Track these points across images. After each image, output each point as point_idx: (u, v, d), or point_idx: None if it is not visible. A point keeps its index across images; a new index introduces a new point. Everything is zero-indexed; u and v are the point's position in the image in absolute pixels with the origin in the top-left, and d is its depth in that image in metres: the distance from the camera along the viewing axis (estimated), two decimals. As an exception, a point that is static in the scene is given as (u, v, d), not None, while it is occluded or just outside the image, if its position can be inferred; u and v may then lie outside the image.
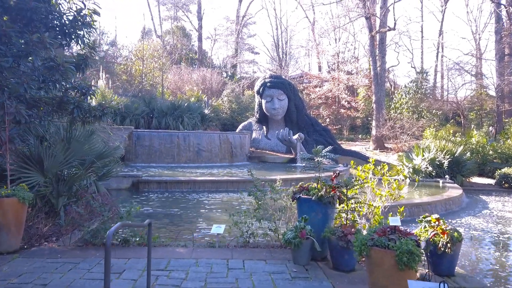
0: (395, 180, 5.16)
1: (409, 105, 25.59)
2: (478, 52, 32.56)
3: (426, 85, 29.73)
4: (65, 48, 7.23)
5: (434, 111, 25.93)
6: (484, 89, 29.47)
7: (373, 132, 23.90)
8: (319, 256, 4.58)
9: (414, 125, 22.77)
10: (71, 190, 6.45)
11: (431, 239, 4.09)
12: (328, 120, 30.60)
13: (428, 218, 4.38)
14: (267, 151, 20.04)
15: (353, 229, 4.25)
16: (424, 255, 3.71)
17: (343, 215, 4.77)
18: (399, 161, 16.87)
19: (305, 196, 4.67)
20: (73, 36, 6.83)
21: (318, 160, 5.08)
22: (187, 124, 19.24)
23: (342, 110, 30.90)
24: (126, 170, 12.14)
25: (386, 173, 5.30)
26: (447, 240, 4.04)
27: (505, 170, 14.95)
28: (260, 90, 20.48)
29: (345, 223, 4.58)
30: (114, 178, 10.51)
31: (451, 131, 20.07)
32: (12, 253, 4.51)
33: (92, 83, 18.86)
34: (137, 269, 4.14)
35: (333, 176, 4.81)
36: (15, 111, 5.56)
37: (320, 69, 40.27)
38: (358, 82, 31.49)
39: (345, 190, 4.62)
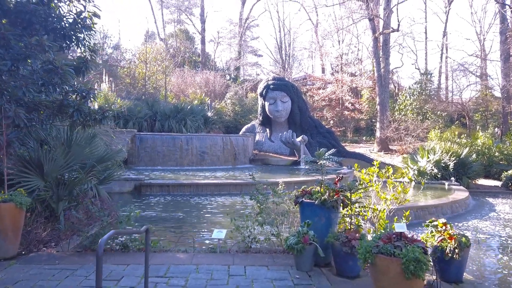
0: (400, 183, 5.03)
1: (413, 106, 25.41)
2: (483, 53, 32.32)
3: (431, 87, 29.56)
4: (66, 51, 7.17)
5: (438, 112, 25.72)
6: (489, 90, 29.23)
7: (377, 134, 23.73)
8: (322, 262, 4.47)
9: (418, 127, 22.58)
10: (71, 194, 6.37)
11: (438, 245, 3.97)
12: (332, 122, 30.44)
13: (435, 223, 4.25)
14: (271, 154, 19.92)
15: (357, 234, 4.13)
16: (431, 262, 3.58)
17: (347, 219, 4.65)
18: (403, 163, 16.71)
19: (308, 200, 4.55)
20: (73, 39, 6.78)
21: (321, 163, 4.97)
22: (190, 127, 19.18)
23: (346, 112, 30.74)
24: (128, 174, 12.08)
25: (391, 176, 5.18)
26: (455, 245, 3.91)
27: (512, 171, 14.76)
28: (263, 93, 20.39)
29: (349, 227, 4.46)
30: (117, 182, 10.45)
31: (456, 133, 19.88)
32: (9, 259, 4.42)
33: (96, 87, 18.95)
34: (135, 275, 4.04)
35: (336, 179, 4.69)
36: (14, 115, 5.50)
37: (323, 71, 40.13)
38: (361, 84, 31.32)
39: (349, 194, 4.50)
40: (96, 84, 20.03)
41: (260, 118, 21.18)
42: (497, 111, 27.64)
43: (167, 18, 46.15)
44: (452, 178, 13.96)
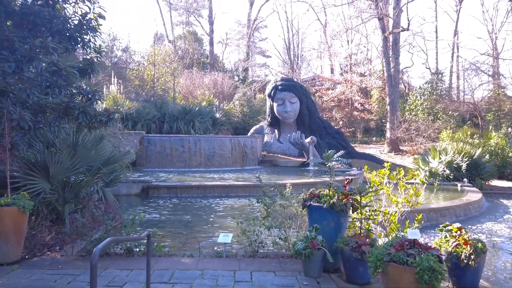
0: (412, 185, 4.85)
1: (424, 106, 25.03)
2: (495, 52, 31.76)
3: (442, 86, 29.10)
4: (71, 52, 7.13)
5: (450, 112, 25.30)
6: (502, 90, 28.69)
7: (388, 134, 23.41)
8: (331, 268, 4.32)
9: (429, 127, 22.21)
10: (77, 197, 6.32)
11: (452, 251, 3.79)
12: (341, 122, 30.16)
13: (449, 227, 4.07)
14: (279, 155, 19.77)
15: (367, 239, 3.98)
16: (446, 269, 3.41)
17: (357, 223, 4.49)
18: (415, 164, 16.42)
19: (316, 204, 4.41)
20: (78, 41, 6.74)
21: (330, 165, 4.81)
22: (198, 128, 19.14)
23: (356, 113, 30.44)
24: (136, 175, 12.04)
25: (403, 178, 5.00)
26: (471, 251, 3.73)
27: (527, 172, 14.40)
28: (272, 93, 20.25)
29: (359, 232, 4.30)
30: (124, 184, 10.42)
31: (469, 133, 19.50)
32: (12, 264, 4.36)
33: (104, 89, 19.00)
34: (139, 281, 3.94)
35: (345, 182, 4.54)
36: (19, 117, 5.46)
37: (332, 72, 39.87)
38: (371, 84, 30.99)
39: (358, 197, 4.35)
40: (105, 86, 20.08)
41: (269, 119, 21.04)
42: (510, 110, 27.11)
43: (175, 20, 46.33)
44: (465, 179, 13.65)
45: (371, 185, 4.71)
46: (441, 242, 4.01)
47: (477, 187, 13.29)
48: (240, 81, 34.18)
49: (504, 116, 28.18)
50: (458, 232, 3.99)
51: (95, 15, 6.68)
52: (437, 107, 25.09)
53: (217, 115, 21.59)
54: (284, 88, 19.86)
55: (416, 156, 18.56)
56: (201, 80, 30.16)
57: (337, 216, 4.29)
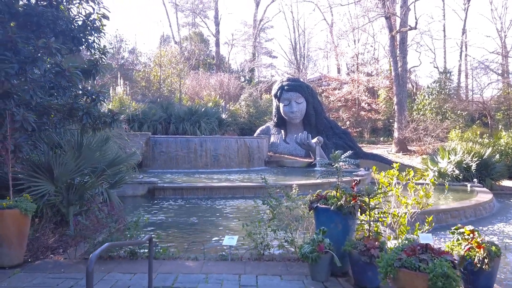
0: (422, 186, 4.72)
1: (432, 106, 24.75)
2: (504, 50, 31.32)
3: (450, 85, 28.78)
4: (77, 53, 7.09)
5: (459, 112, 24.99)
6: (512, 88, 28.29)
7: (395, 134, 23.18)
8: (339, 271, 4.20)
9: (438, 127, 21.94)
10: (82, 199, 6.26)
11: (465, 254, 3.66)
12: (348, 122, 29.94)
13: (461, 230, 3.94)
14: (286, 155, 19.64)
15: (376, 242, 3.85)
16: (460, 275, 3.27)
17: (365, 226, 4.37)
18: (423, 164, 16.20)
19: (323, 206, 4.29)
20: (83, 41, 6.68)
21: (337, 166, 4.70)
22: (204, 129, 19.09)
23: (363, 113, 30.20)
24: (142, 177, 12.00)
25: (412, 179, 4.86)
26: (484, 255, 3.60)
27: (538, 172, 14.13)
28: (278, 94, 20.14)
29: (367, 235, 4.18)
30: (130, 185, 10.38)
31: (478, 133, 19.21)
32: (14, 267, 4.30)
33: (111, 90, 19.04)
34: (142, 286, 3.85)
35: (353, 183, 4.42)
36: (22, 119, 5.41)
37: (339, 71, 39.63)
38: (378, 84, 30.74)
39: (367, 199, 4.23)
40: (111, 87, 20.12)
41: (275, 119, 20.93)
42: (520, 109, 26.71)
43: (181, 21, 46.37)
44: (475, 180, 13.44)
45: (380, 186, 4.58)
46: (453, 245, 3.88)
47: (487, 188, 13.08)
48: (246, 81, 34.11)
49: (514, 115, 27.77)
50: (471, 235, 3.86)
51: (99, 15, 6.62)
52: (445, 107, 24.80)
53: (223, 116, 21.53)
54: (290, 88, 19.73)
55: (424, 156, 18.33)
56: (207, 81, 30.14)
57: (344, 219, 4.17)
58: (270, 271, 4.31)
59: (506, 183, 15.36)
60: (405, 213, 4.66)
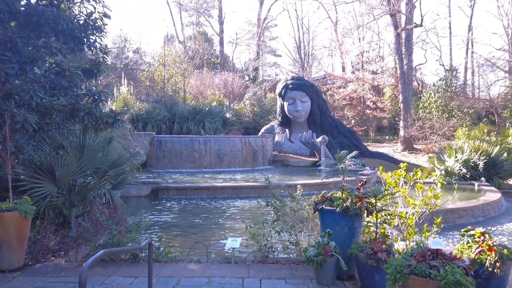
0: (429, 187, 4.58)
1: (438, 104, 24.49)
2: (511, 47, 30.94)
3: (456, 83, 28.47)
4: (80, 53, 7.03)
5: (465, 109, 24.71)
6: (519, 85, 27.93)
7: (401, 133, 22.96)
8: (345, 275, 4.09)
9: (444, 125, 21.70)
10: (84, 200, 6.20)
11: (476, 258, 3.53)
12: (353, 121, 29.72)
13: (472, 232, 3.81)
14: (291, 155, 19.53)
15: (384, 245, 3.74)
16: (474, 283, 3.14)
17: (372, 228, 4.25)
18: (429, 163, 16.01)
19: (329, 208, 4.18)
20: (84, 41, 6.61)
21: (342, 167, 4.58)
22: (209, 129, 19.01)
23: (368, 111, 29.97)
24: (146, 177, 11.95)
25: (420, 178, 4.72)
26: (496, 258, 3.47)
27: (547, 171, 13.89)
28: (282, 92, 20.01)
29: (374, 237, 4.06)
30: (134, 185, 10.33)
31: (485, 131, 18.98)
32: (14, 271, 4.23)
33: (115, 90, 19.01)
34: (143, 290, 3.77)
35: (359, 184, 4.30)
36: (23, 119, 5.34)
37: (344, 70, 39.37)
38: (383, 82, 30.49)
39: (373, 200, 4.11)
40: (115, 87, 20.10)
41: (279, 118, 20.81)
42: (528, 107, 26.36)
43: (186, 21, 46.30)
44: (482, 178, 13.25)
45: (387, 187, 4.46)
46: (463, 248, 3.76)
47: (495, 187, 12.89)
48: (250, 80, 33.98)
49: (521, 113, 27.42)
50: (482, 237, 3.73)
51: (100, 14, 6.56)
52: (451, 105, 24.53)
53: (227, 115, 21.44)
54: (295, 87, 19.60)
55: (430, 154, 18.12)
56: (211, 80, 30.06)
57: (351, 221, 4.05)
58: (274, 274, 4.21)
59: (514, 182, 15.13)
60: (413, 214, 4.53)
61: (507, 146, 16.40)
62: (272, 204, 4.95)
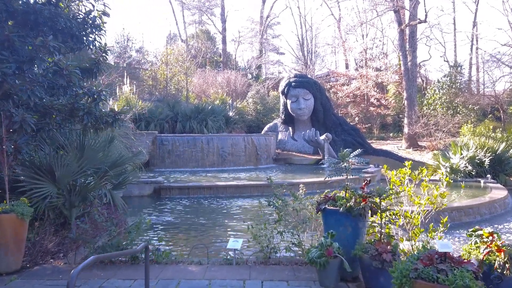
0: (435, 185, 4.46)
1: (443, 100, 24.26)
2: (517, 42, 30.58)
3: (461, 79, 28.20)
4: (81, 51, 6.94)
5: (470, 106, 24.46)
6: (525, 81, 27.62)
7: (405, 130, 22.77)
8: (349, 276, 3.98)
9: (449, 122, 21.48)
10: (85, 200, 6.13)
11: (484, 258, 3.42)
12: (357, 119, 29.53)
13: (480, 232, 3.69)
14: (294, 153, 19.41)
15: (388, 246, 3.63)
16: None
17: (376, 228, 4.14)
18: (434, 160, 15.84)
19: (332, 208, 4.07)
20: (83, 40, 6.53)
21: (346, 166, 4.47)
22: (211, 127, 18.93)
23: (372, 108, 29.75)
24: (148, 176, 11.89)
25: (426, 176, 4.60)
26: (505, 259, 3.35)
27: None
28: (285, 90, 19.88)
29: (379, 238, 3.95)
30: (136, 185, 10.26)
31: (491, 127, 18.75)
32: (11, 274, 4.16)
33: (117, 89, 18.96)
34: (142, 293, 3.68)
35: (363, 183, 4.19)
36: (21, 120, 5.27)
37: (347, 67, 39.16)
38: (387, 79, 30.25)
39: (377, 200, 4.00)
40: (118, 86, 20.05)
41: (283, 116, 20.68)
42: (534, 103, 26.08)
43: (188, 19, 46.24)
44: (488, 176, 13.08)
45: (391, 186, 4.34)
46: (471, 249, 3.64)
47: (501, 184, 12.72)
48: (253, 78, 33.85)
49: (527, 109, 27.12)
50: (490, 238, 3.61)
51: (99, 12, 6.46)
52: (456, 101, 24.30)
53: (230, 114, 21.34)
54: (298, 84, 19.45)
55: (435, 152, 17.94)
56: (214, 78, 29.96)
57: (354, 221, 3.95)
58: (277, 276, 4.11)
59: (520, 178, 14.94)
60: (418, 213, 4.42)
61: (513, 142, 16.21)
62: (274, 204, 4.85)
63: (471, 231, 3.80)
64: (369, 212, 3.99)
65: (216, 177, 12.93)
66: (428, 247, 3.23)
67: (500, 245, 3.50)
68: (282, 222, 4.83)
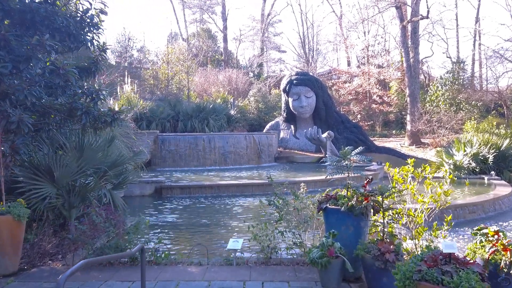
0: (439, 183, 4.36)
1: (446, 97, 24.10)
2: (520, 38, 30.33)
3: (464, 76, 28.01)
4: (75, 51, 6.87)
5: (473, 102, 24.29)
6: (529, 77, 27.40)
7: (408, 127, 22.63)
8: (352, 276, 3.90)
9: (452, 118, 21.33)
10: (84, 201, 6.07)
11: (490, 258, 3.33)
12: (359, 116, 29.38)
13: (485, 230, 3.60)
14: (296, 151, 19.32)
15: (391, 246, 3.55)
16: None
17: (379, 227, 4.05)
18: (437, 157, 15.71)
19: (333, 207, 3.99)
20: (81, 38, 6.46)
21: (347, 164, 4.39)
22: (213, 126, 18.86)
23: (374, 105, 29.60)
24: (149, 176, 11.84)
25: (429, 174, 4.51)
26: (511, 258, 3.26)
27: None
28: (287, 88, 19.77)
29: (381, 237, 3.87)
30: (137, 185, 10.22)
31: (494, 123, 18.60)
32: (8, 276, 4.10)
33: (118, 88, 18.91)
34: (140, 295, 3.61)
35: (365, 182, 4.10)
36: (18, 120, 5.21)
37: (349, 64, 38.96)
38: (390, 76, 30.07)
39: (380, 199, 3.91)
40: (119, 86, 20.00)
41: (284, 114, 20.58)
42: (538, 98, 25.87)
43: (189, 18, 46.17)
44: (492, 172, 12.96)
45: (394, 184, 4.25)
46: (476, 248, 3.55)
47: (505, 180, 12.60)
48: (254, 77, 33.75)
49: (531, 105, 26.92)
50: (496, 236, 3.52)
51: (97, 10, 6.39)
52: (459, 97, 24.13)
53: (232, 112, 21.26)
54: (299, 82, 19.34)
55: (438, 148, 17.81)
56: (215, 77, 29.89)
57: (356, 220, 3.87)
58: (277, 277, 4.04)
59: (525, 175, 14.79)
60: (422, 212, 4.33)
61: (517, 138, 16.05)
62: (275, 203, 4.77)
63: (476, 229, 3.71)
64: (371, 211, 3.91)
65: (218, 176, 12.87)
66: (432, 247, 3.14)
67: (506, 244, 3.41)
68: (283, 222, 4.75)
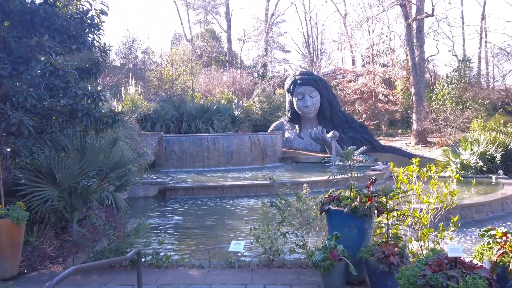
0: (446, 183, 4.26)
1: (452, 95, 23.85)
2: (527, 35, 29.98)
3: (470, 74, 27.72)
4: (76, 52, 6.84)
5: (480, 100, 24.03)
6: (536, 74, 27.06)
7: (414, 126, 22.43)
8: (356, 280, 3.82)
9: (459, 117, 21.09)
10: (86, 203, 6.03)
11: (498, 260, 3.22)
12: (364, 115, 29.19)
13: (492, 232, 3.50)
14: (301, 151, 19.21)
15: (396, 248, 3.45)
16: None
17: (383, 228, 3.96)
18: (444, 156, 15.53)
19: (336, 208, 3.90)
20: (82, 39, 6.42)
21: (350, 164, 4.30)
22: (217, 127, 18.81)
23: (379, 105, 29.39)
24: (153, 177, 11.81)
25: (435, 174, 4.40)
26: (520, 261, 3.16)
27: None
28: (291, 88, 19.67)
29: (386, 239, 3.78)
30: (141, 186, 10.19)
31: (501, 121, 18.36)
32: (7, 280, 4.06)
33: (122, 90, 18.93)
34: (139, 299, 3.55)
35: (369, 182, 4.01)
36: (18, 122, 5.18)
37: (354, 63, 38.75)
38: (395, 74, 29.85)
39: (384, 199, 3.82)
40: (123, 87, 20.02)
41: (289, 114, 20.48)
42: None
43: (193, 19, 46.23)
44: (500, 171, 12.77)
45: (399, 184, 4.16)
46: (483, 250, 3.45)
47: (514, 179, 12.40)
48: (259, 77, 33.68)
49: (539, 102, 26.59)
50: (504, 238, 3.41)
51: (97, 11, 6.36)
52: (466, 96, 23.88)
53: (236, 113, 21.19)
54: (304, 82, 19.23)
55: (445, 147, 17.61)
56: (219, 78, 29.85)
57: (360, 222, 3.77)
58: (280, 280, 3.96)
59: (533, 174, 14.57)
60: (427, 213, 4.23)
61: (525, 137, 15.82)
62: (277, 205, 4.69)
63: (483, 231, 3.60)
64: (375, 212, 3.82)
65: (222, 177, 12.81)
66: (438, 249, 3.05)
67: (515, 245, 3.31)
68: (285, 223, 4.67)
